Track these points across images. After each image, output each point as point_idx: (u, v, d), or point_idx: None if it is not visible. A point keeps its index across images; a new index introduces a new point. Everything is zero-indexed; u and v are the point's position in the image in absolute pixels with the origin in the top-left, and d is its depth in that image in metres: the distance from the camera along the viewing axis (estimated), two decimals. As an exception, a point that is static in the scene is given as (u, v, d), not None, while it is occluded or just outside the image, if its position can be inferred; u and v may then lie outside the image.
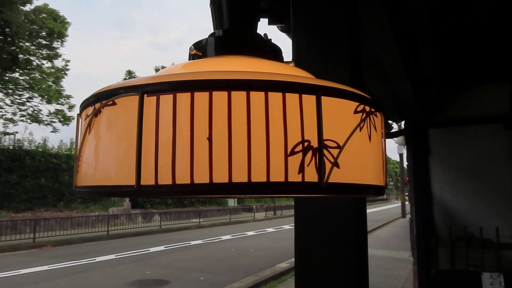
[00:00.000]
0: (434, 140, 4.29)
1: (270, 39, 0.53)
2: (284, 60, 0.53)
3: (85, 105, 0.41)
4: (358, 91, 0.42)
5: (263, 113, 0.35)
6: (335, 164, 0.37)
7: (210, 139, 0.34)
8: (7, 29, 15.76)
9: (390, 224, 23.52)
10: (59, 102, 19.18)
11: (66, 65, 20.00)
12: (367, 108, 0.42)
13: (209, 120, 0.34)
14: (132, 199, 19.27)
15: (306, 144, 0.36)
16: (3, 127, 18.16)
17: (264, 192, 0.35)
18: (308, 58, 1.35)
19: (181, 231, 17.24)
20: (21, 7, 16.46)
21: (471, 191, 3.88)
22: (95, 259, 10.53)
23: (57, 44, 18.91)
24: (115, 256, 11.06)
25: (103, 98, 0.39)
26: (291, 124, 0.35)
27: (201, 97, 0.35)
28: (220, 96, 0.35)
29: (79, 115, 0.44)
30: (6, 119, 18.52)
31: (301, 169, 0.35)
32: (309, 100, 0.36)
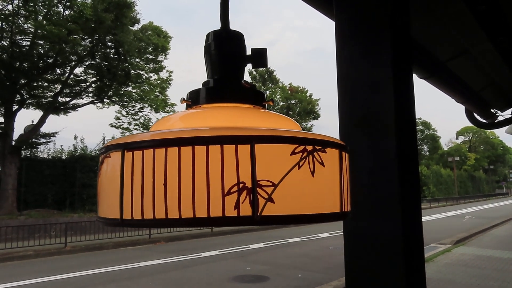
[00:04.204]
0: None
1: (254, 85, 0.62)
2: (266, 99, 0.61)
3: (99, 154, 0.55)
4: (301, 134, 0.49)
5: (205, 163, 0.45)
6: (269, 200, 0.45)
7: (165, 184, 0.45)
8: (120, 49, 17.81)
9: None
10: (165, 110, 21.04)
11: (170, 76, 21.86)
12: (309, 148, 0.48)
13: (164, 170, 0.45)
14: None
15: (241, 185, 0.44)
16: (121, 135, 20.48)
17: (206, 225, 0.45)
18: (350, 43, 1.35)
19: (279, 228, 17.62)
20: (131, 27, 18.44)
21: None
22: (201, 254, 11.38)
23: (162, 58, 20.79)
24: (219, 252, 11.81)
25: (104, 152, 0.52)
26: (228, 170, 0.45)
27: (160, 152, 0.46)
28: (172, 151, 0.45)
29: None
30: (123, 128, 20.97)
31: (237, 206, 0.44)
32: (244, 148, 0.45)
